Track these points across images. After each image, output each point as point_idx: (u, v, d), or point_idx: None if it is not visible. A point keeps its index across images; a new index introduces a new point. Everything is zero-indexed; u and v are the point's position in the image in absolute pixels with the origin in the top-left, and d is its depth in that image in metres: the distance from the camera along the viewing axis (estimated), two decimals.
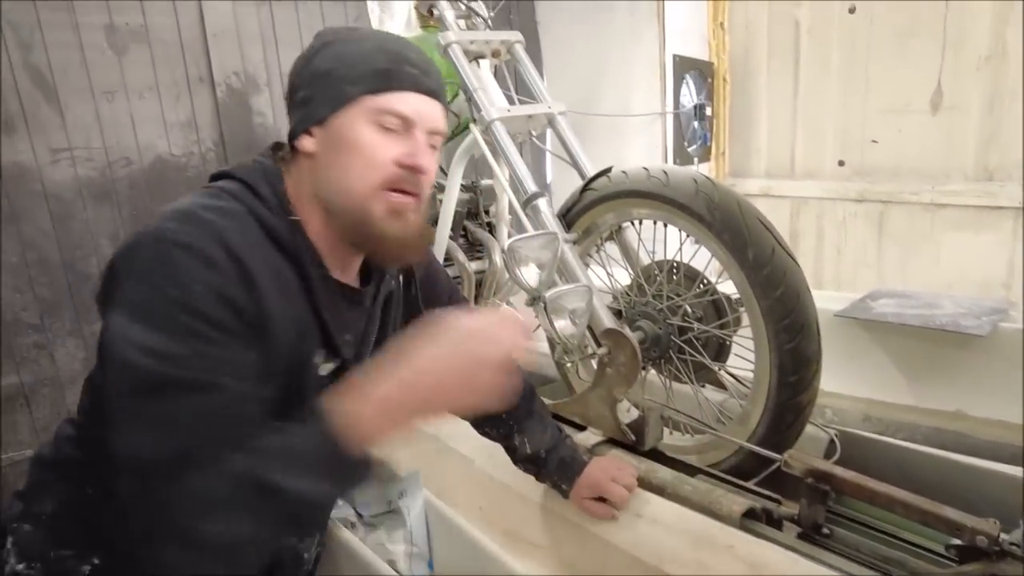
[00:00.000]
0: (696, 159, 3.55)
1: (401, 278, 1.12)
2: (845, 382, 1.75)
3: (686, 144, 3.49)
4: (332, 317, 0.91)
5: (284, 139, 0.95)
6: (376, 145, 0.86)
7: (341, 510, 1.21)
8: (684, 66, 3.40)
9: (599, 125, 3.45)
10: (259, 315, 0.78)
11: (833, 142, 3.31)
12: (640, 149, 3.47)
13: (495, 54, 1.71)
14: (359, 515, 1.21)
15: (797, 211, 3.50)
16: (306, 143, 0.89)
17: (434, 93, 0.91)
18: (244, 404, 0.73)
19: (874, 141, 3.14)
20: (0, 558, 0.91)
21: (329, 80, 0.87)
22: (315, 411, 0.71)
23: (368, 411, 0.70)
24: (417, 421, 0.72)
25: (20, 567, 0.90)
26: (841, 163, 3.30)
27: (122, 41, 2.72)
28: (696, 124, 3.50)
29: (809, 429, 1.42)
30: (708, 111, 3.54)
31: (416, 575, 1.25)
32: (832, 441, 1.39)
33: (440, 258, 1.89)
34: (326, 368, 0.92)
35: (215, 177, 0.91)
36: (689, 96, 3.46)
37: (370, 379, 0.72)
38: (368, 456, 0.71)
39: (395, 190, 0.87)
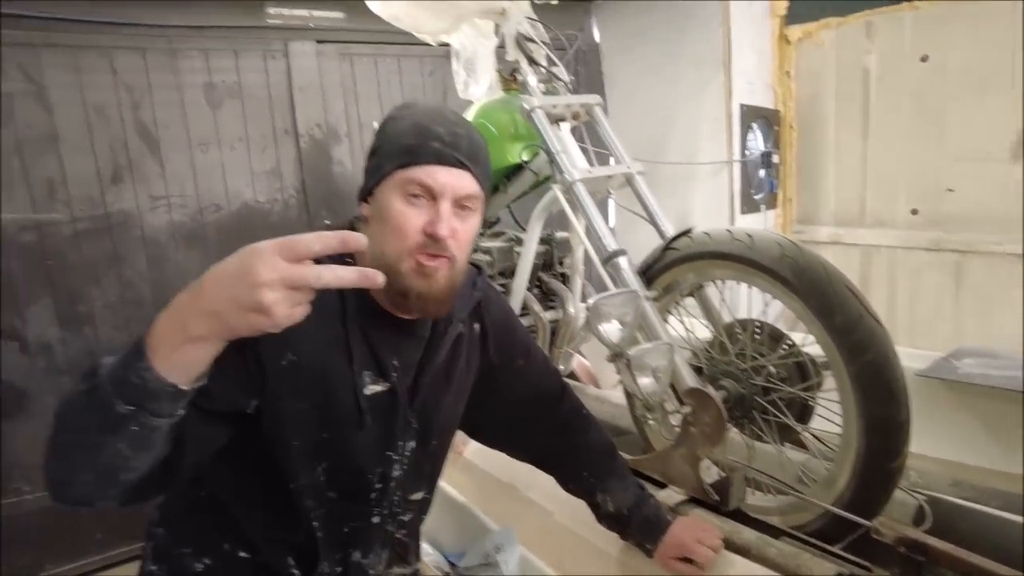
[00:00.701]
0: (763, 206, 3.55)
1: (477, 326, 1.19)
2: (931, 444, 1.70)
3: (753, 192, 3.49)
4: (375, 341, 1.00)
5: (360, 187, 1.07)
6: (404, 215, 0.94)
7: (433, 557, 1.25)
8: (750, 114, 3.43)
9: (665, 173, 3.49)
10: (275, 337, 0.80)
11: (906, 190, 3.26)
12: (706, 197, 3.49)
13: (575, 116, 1.78)
14: (452, 564, 1.25)
15: (868, 259, 3.45)
16: (364, 210, 1.01)
17: (460, 163, 0.96)
18: None
19: (950, 190, 3.08)
20: (143, 563, 1.05)
21: (375, 156, 1.00)
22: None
23: (163, 317, 0.73)
24: (200, 326, 0.71)
25: (153, 568, 1.04)
26: (914, 212, 3.24)
27: (218, 97, 2.94)
28: (763, 172, 3.50)
29: (896, 494, 1.40)
30: (775, 159, 3.55)
31: None
32: (921, 507, 1.36)
33: (516, 308, 1.95)
34: (372, 389, 1.01)
35: None
36: (756, 144, 3.48)
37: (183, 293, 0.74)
38: (150, 361, 0.70)
39: (423, 252, 0.95)
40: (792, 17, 3.56)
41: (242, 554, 1.02)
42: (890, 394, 1.17)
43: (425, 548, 1.32)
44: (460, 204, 0.97)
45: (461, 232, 0.97)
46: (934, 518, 1.36)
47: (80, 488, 0.77)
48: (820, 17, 3.46)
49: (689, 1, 3.40)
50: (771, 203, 3.61)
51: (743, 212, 3.45)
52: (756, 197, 3.52)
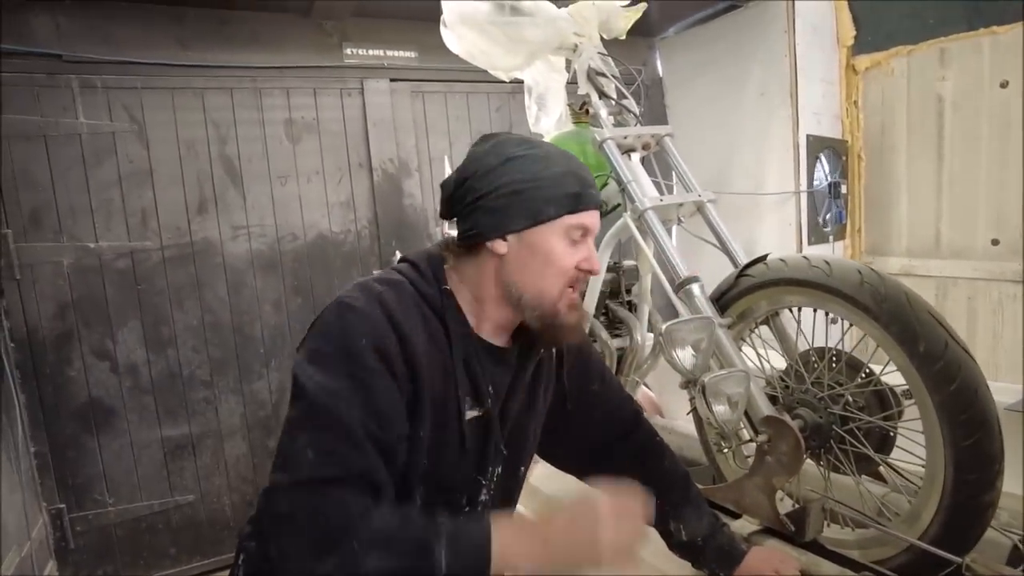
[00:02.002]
0: (831, 237, 3.48)
1: (554, 351, 1.22)
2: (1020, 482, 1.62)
3: (820, 222, 3.43)
4: (474, 368, 1.05)
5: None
6: (566, 255, 1.03)
7: None
8: (818, 145, 3.39)
9: (731, 203, 3.47)
10: (408, 369, 0.97)
11: (985, 219, 3.14)
12: (773, 227, 3.45)
13: (645, 147, 1.82)
14: None
15: (944, 292, 3.32)
16: (498, 246, 1.04)
17: (600, 205, 1.09)
18: (376, 445, 0.92)
19: None
20: (234, 570, 1.11)
21: (524, 198, 1.02)
22: (488, 524, 0.91)
23: (516, 549, 0.90)
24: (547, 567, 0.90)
25: None
26: (995, 242, 3.12)
27: (297, 132, 3.10)
28: (831, 202, 3.45)
29: (988, 532, 1.34)
30: (843, 189, 3.49)
31: None
32: (1016, 547, 1.30)
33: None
34: (471, 413, 1.06)
35: (401, 259, 1.13)
36: (823, 174, 3.43)
37: (527, 532, 0.94)
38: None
39: (572, 287, 1.05)
40: (860, 47, 3.53)
41: None
42: (980, 424, 1.13)
43: None
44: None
45: None
46: None
47: None
48: (889, 46, 3.41)
49: (754, 33, 3.42)
50: (839, 234, 3.54)
51: (810, 243, 3.40)
52: (824, 228, 3.46)
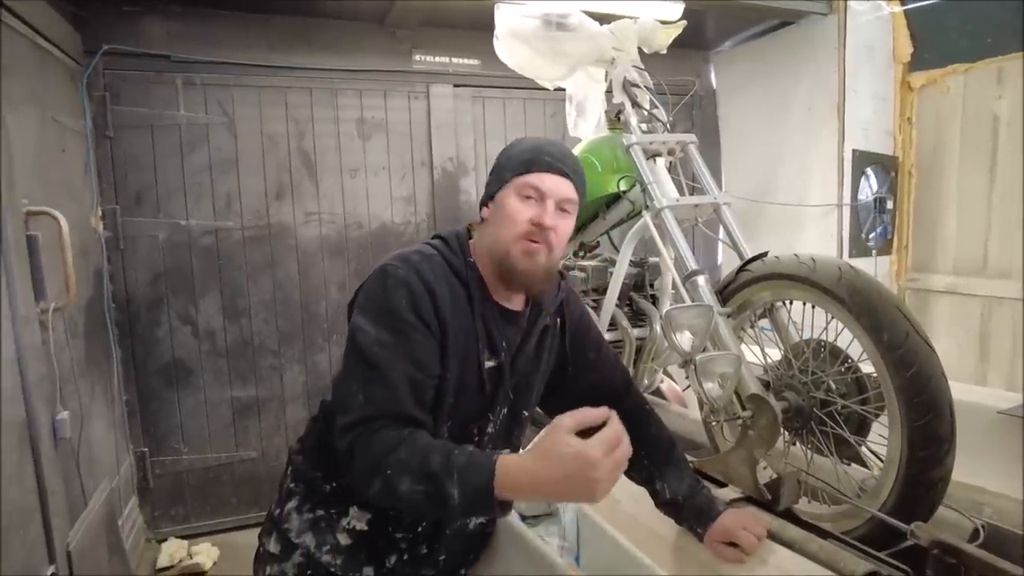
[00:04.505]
0: (875, 251, 3.52)
1: (559, 320, 1.43)
2: (1010, 482, 1.70)
3: (864, 236, 3.48)
4: (491, 326, 1.27)
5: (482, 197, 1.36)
6: (518, 209, 1.22)
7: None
8: (864, 160, 3.44)
9: (775, 213, 3.57)
10: (439, 324, 1.19)
11: None
12: (815, 238, 3.52)
13: (670, 152, 1.99)
14: (522, 517, 1.46)
15: (989, 311, 3.32)
16: (484, 212, 1.30)
17: (564, 173, 1.24)
18: (412, 387, 1.14)
19: None
20: (283, 480, 1.35)
21: (498, 170, 1.28)
22: (492, 458, 1.05)
23: (511, 480, 1.02)
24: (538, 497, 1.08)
25: (292, 485, 1.33)
26: None
27: (368, 130, 3.40)
28: (876, 217, 3.49)
29: (952, 516, 1.45)
30: (889, 204, 3.52)
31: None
32: (976, 530, 1.41)
33: (605, 324, 2.15)
34: (488, 364, 1.27)
35: (434, 236, 1.35)
36: (869, 189, 3.48)
37: (524, 465, 1.03)
38: (499, 500, 1.03)
39: (529, 239, 1.22)
40: (916, 64, 3.56)
41: None
42: (932, 407, 1.26)
43: None
44: (560, 207, 1.25)
45: (560, 227, 1.25)
46: (996, 546, 1.39)
47: (372, 496, 1.12)
48: (946, 64, 3.43)
49: (804, 50, 3.51)
50: (885, 249, 3.57)
51: (852, 256, 3.45)
52: (868, 242, 3.51)
